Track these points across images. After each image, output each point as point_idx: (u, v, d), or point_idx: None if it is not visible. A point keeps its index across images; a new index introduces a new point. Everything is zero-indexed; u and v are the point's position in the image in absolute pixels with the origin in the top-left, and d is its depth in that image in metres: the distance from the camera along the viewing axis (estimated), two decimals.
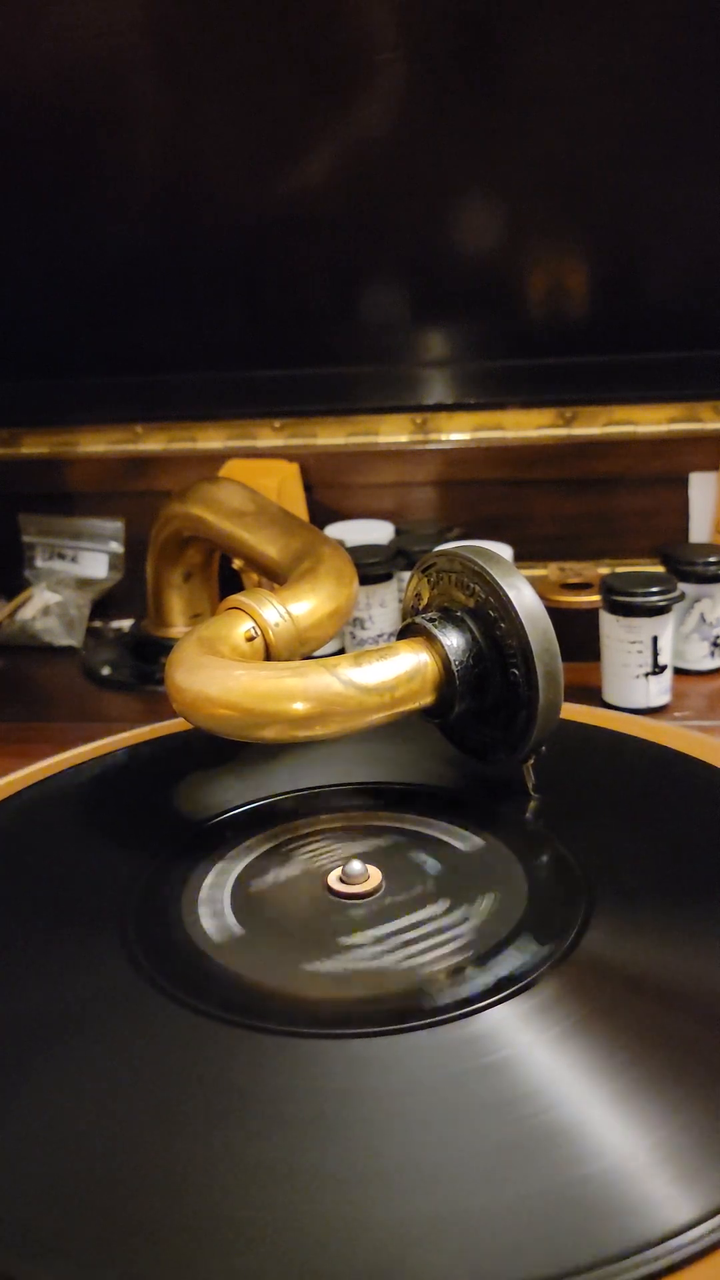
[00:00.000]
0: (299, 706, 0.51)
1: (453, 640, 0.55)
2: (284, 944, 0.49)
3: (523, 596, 0.53)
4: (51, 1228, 0.36)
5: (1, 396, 1.02)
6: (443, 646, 0.54)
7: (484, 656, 0.55)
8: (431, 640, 0.55)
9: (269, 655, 0.60)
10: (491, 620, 0.54)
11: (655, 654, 0.76)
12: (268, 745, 0.55)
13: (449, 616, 0.56)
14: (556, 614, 0.78)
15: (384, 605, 0.85)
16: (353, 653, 0.54)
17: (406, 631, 0.57)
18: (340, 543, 0.78)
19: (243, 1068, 0.42)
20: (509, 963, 0.46)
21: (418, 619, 0.56)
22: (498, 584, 0.53)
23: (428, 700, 0.55)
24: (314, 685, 0.51)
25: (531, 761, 0.57)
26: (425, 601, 0.59)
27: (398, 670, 0.53)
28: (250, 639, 0.59)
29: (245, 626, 0.59)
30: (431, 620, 0.55)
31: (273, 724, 0.52)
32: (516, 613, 0.53)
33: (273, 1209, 0.36)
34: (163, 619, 0.87)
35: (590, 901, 0.50)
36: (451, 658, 0.54)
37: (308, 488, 0.98)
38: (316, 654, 0.60)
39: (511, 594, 0.53)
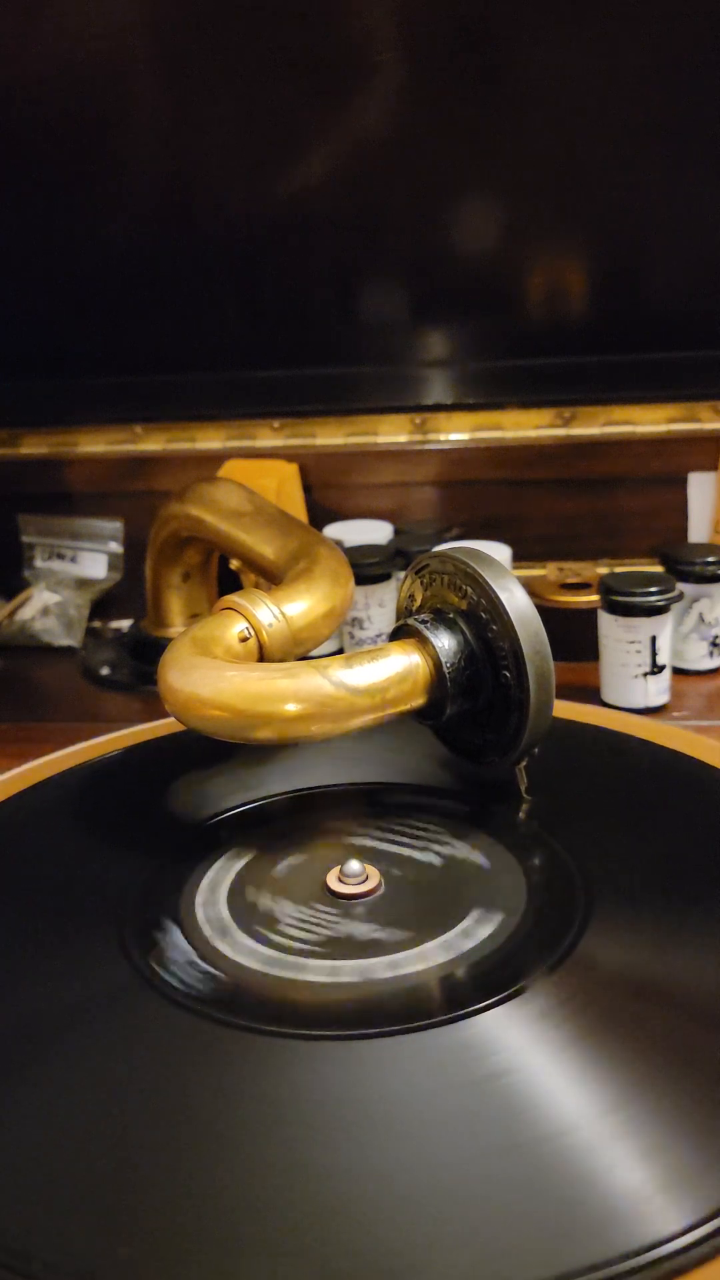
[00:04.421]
0: (290, 708, 0.51)
1: (444, 642, 0.55)
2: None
3: (514, 598, 0.53)
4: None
5: (1, 396, 1.02)
6: (434, 648, 0.54)
7: (476, 658, 0.55)
8: (423, 642, 0.55)
9: (263, 656, 0.60)
10: (483, 622, 0.54)
11: (654, 654, 0.76)
12: (263, 746, 0.55)
13: (441, 618, 0.56)
14: (555, 614, 0.79)
15: (383, 605, 0.85)
16: (344, 654, 0.54)
17: (399, 633, 0.57)
18: (339, 543, 0.78)
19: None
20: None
21: (410, 620, 0.56)
22: (489, 586, 0.53)
23: (419, 702, 0.55)
24: (305, 686, 0.52)
25: (524, 764, 0.57)
26: (418, 603, 0.59)
27: (389, 671, 0.53)
28: (244, 640, 0.59)
29: (239, 627, 0.59)
30: (424, 622, 0.55)
31: (264, 725, 0.52)
32: (508, 615, 0.53)
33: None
34: (161, 619, 0.87)
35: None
36: (443, 659, 0.54)
37: (307, 488, 0.98)
38: (313, 654, 0.60)
39: (503, 596, 0.53)
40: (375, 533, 0.92)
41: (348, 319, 1.00)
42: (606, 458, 0.96)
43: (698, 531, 0.95)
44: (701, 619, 0.81)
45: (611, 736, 0.65)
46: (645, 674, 0.77)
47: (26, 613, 0.96)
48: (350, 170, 0.94)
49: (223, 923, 0.50)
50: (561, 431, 0.97)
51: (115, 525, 1.01)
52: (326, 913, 0.50)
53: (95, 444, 1.01)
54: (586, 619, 0.80)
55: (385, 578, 0.85)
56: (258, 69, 0.91)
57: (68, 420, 1.02)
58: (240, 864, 0.54)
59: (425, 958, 0.47)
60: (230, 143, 0.94)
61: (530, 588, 0.54)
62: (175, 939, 0.49)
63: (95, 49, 0.90)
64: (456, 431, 0.99)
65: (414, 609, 0.59)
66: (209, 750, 0.61)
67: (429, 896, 0.51)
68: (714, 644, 0.82)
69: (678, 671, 0.81)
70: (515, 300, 0.98)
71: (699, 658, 0.82)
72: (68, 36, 0.90)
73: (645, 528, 0.96)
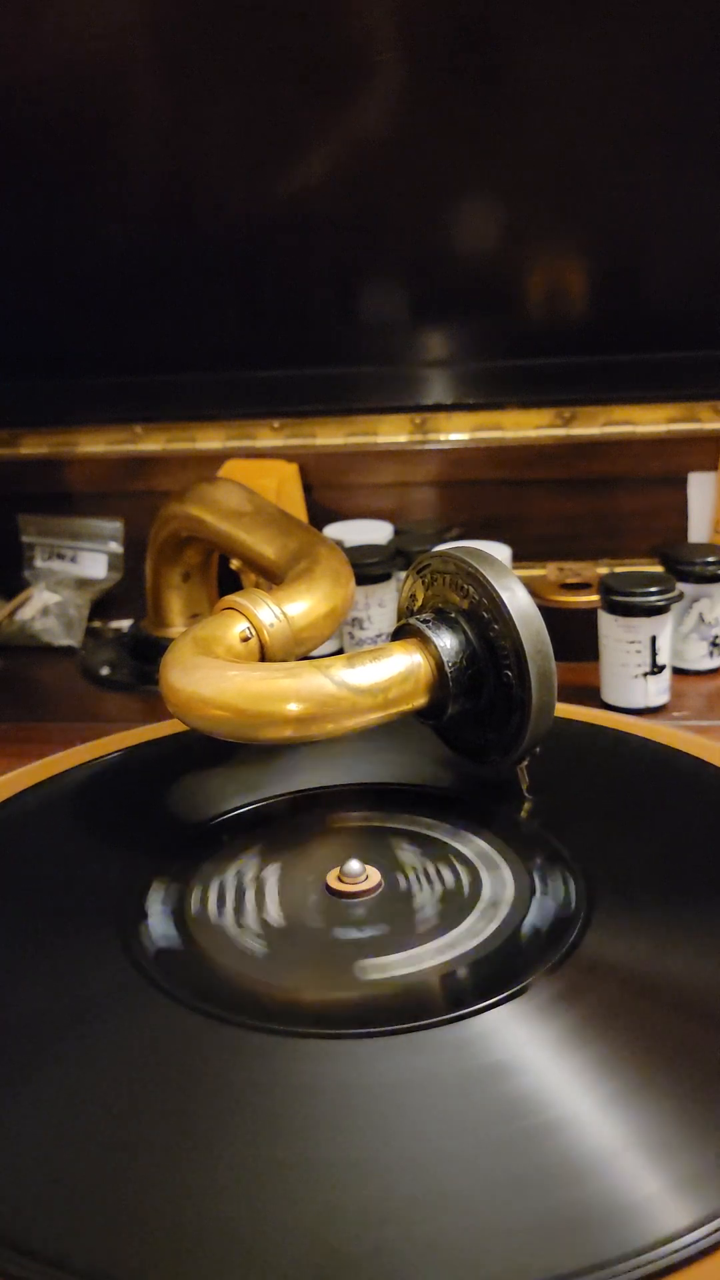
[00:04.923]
0: (292, 707, 0.51)
1: (446, 642, 0.55)
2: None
3: (516, 598, 0.53)
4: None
5: (1, 396, 1.02)
6: (436, 648, 0.54)
7: (478, 658, 0.55)
8: (425, 641, 0.55)
9: (264, 656, 0.60)
10: (485, 622, 0.54)
11: (654, 654, 0.76)
12: (264, 746, 0.55)
13: (443, 618, 0.56)
14: (555, 614, 0.78)
15: (383, 605, 0.85)
16: (346, 654, 0.54)
17: (400, 633, 0.57)
18: (339, 543, 0.78)
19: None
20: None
21: (412, 620, 0.56)
22: (491, 585, 0.53)
23: (421, 701, 0.55)
24: (307, 686, 0.52)
25: (526, 763, 0.57)
26: (420, 603, 0.59)
27: (391, 671, 0.53)
28: (245, 639, 0.59)
29: (240, 627, 0.59)
30: (425, 621, 0.55)
31: (266, 725, 0.52)
32: (509, 614, 0.53)
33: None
34: (161, 619, 0.87)
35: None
36: (445, 659, 0.54)
37: (307, 488, 0.98)
38: (314, 654, 0.60)
39: (504, 595, 0.53)
40: (375, 533, 0.92)
41: (348, 319, 1.00)
42: (606, 458, 0.96)
43: (698, 531, 0.95)
44: (701, 619, 0.81)
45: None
46: (645, 674, 0.77)
47: (26, 613, 0.96)
48: (350, 170, 0.94)
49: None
50: (561, 431, 0.97)
51: (115, 525, 1.01)
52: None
53: (95, 444, 1.01)
54: (586, 619, 0.80)
55: (385, 578, 0.85)
56: (258, 69, 0.91)
57: (68, 420, 1.02)
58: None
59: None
60: (230, 143, 0.94)
61: (530, 588, 0.54)
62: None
63: (95, 49, 0.90)
64: (456, 431, 0.99)
65: (415, 609, 0.59)
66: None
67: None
68: (714, 644, 0.82)
69: (678, 671, 0.81)
70: (515, 300, 0.98)
71: (699, 658, 0.82)
72: (68, 36, 0.90)
73: (645, 528, 0.96)
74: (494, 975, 0.46)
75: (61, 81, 0.92)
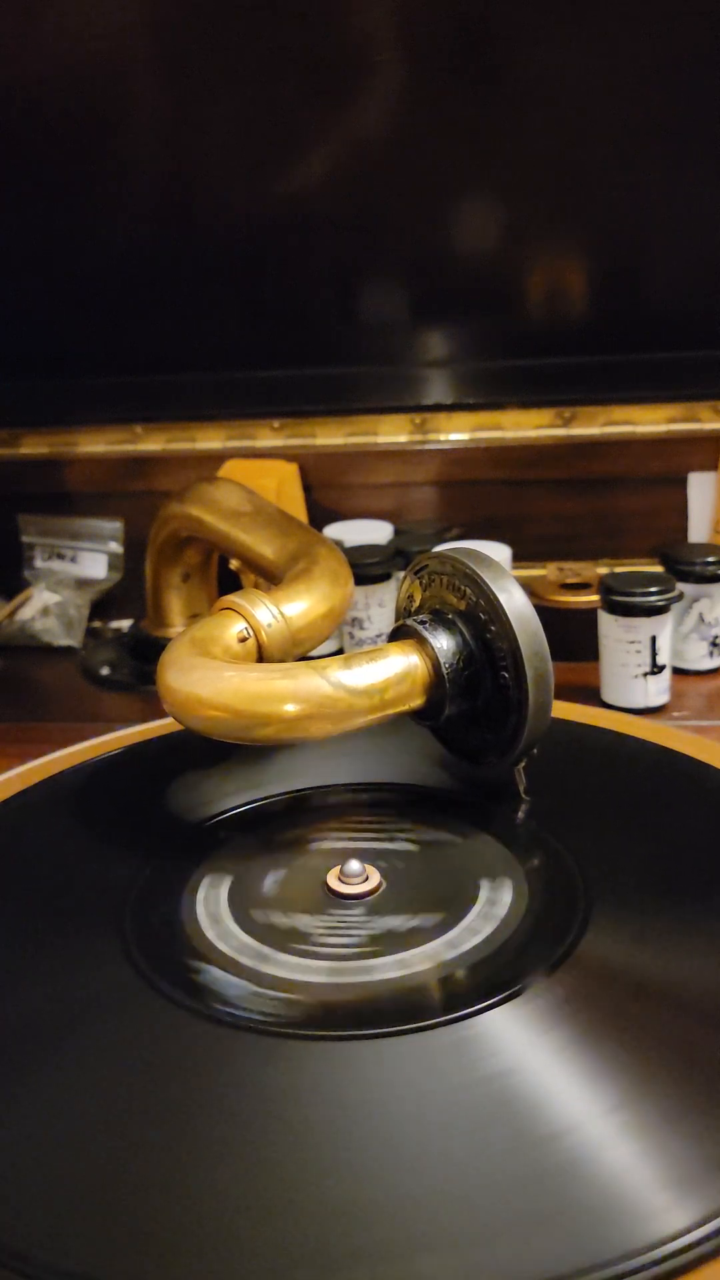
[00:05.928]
0: (289, 708, 0.51)
1: (443, 643, 0.55)
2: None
3: (513, 599, 0.53)
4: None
5: (1, 396, 1.03)
6: (433, 649, 0.54)
7: (475, 659, 0.55)
8: (422, 642, 0.55)
9: (261, 656, 0.60)
10: (482, 623, 0.54)
11: (654, 654, 0.76)
12: (262, 746, 0.55)
13: (440, 619, 0.56)
14: (555, 614, 0.79)
15: (383, 605, 0.85)
16: (343, 655, 0.54)
17: (398, 633, 0.57)
18: (339, 543, 0.78)
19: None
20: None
21: (408, 621, 0.56)
22: (488, 587, 0.53)
23: (417, 702, 0.55)
24: (303, 687, 0.52)
25: (523, 764, 0.57)
26: (417, 603, 0.59)
27: (388, 672, 0.53)
28: (243, 640, 0.59)
29: (238, 627, 0.59)
30: (422, 622, 0.55)
31: (263, 725, 0.52)
32: (506, 616, 0.53)
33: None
34: (161, 619, 0.87)
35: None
36: (442, 660, 0.54)
37: (307, 488, 0.98)
38: (313, 654, 0.60)
39: (502, 597, 0.53)
40: (375, 533, 0.92)
41: (348, 319, 1.00)
42: (606, 458, 0.96)
43: (698, 531, 0.95)
44: (701, 619, 0.81)
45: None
46: (645, 674, 0.77)
47: (26, 613, 0.96)
48: (350, 170, 0.94)
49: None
50: (561, 431, 0.97)
51: (115, 525, 1.01)
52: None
53: (95, 444, 1.01)
54: (586, 619, 0.80)
55: (385, 578, 0.85)
56: (258, 69, 0.91)
57: (68, 420, 1.02)
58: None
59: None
60: (230, 143, 0.94)
61: (530, 588, 0.54)
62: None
63: (95, 49, 0.90)
64: (456, 431, 0.99)
65: (413, 609, 0.59)
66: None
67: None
68: (714, 644, 0.82)
69: (678, 671, 0.81)
70: (515, 300, 0.98)
71: (699, 658, 0.82)
72: (68, 36, 0.90)
73: (645, 528, 0.96)
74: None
75: (61, 81, 0.92)
